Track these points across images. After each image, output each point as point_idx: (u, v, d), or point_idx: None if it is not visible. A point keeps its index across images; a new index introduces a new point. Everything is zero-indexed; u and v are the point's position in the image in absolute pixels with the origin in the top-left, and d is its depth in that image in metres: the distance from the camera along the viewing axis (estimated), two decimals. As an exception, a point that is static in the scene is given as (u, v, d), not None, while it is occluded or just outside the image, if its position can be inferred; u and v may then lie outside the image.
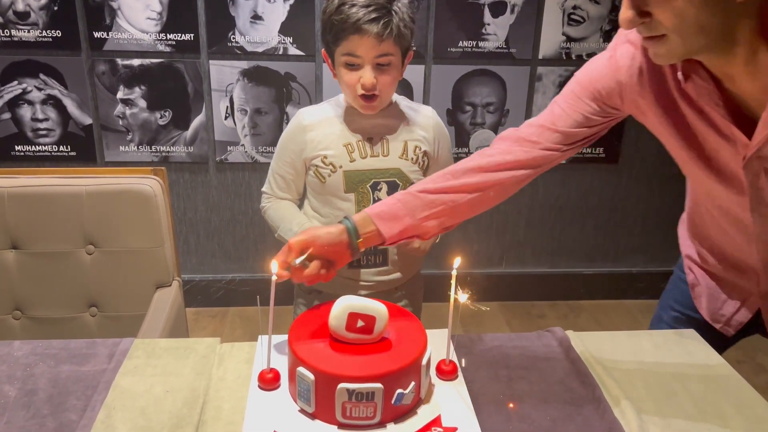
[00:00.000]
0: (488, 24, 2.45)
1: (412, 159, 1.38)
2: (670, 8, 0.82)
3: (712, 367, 1.11)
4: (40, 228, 1.50)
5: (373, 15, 1.21)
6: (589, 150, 2.67)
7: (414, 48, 1.34)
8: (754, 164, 0.94)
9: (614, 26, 2.49)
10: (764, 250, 1.07)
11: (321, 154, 1.36)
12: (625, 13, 0.86)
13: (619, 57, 1.03)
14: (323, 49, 1.34)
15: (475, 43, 2.47)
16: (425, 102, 2.53)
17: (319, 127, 1.37)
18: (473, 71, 2.51)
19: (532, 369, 1.08)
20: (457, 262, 0.98)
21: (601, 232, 2.86)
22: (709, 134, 0.97)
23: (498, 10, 2.44)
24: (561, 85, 2.13)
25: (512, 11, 2.44)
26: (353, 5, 1.22)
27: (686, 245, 1.29)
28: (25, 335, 1.54)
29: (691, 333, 1.21)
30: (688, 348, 1.17)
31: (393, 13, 1.23)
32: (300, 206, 1.47)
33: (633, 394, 1.02)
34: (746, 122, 0.92)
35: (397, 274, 1.44)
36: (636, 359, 1.12)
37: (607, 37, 2.51)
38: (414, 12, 1.30)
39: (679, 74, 0.94)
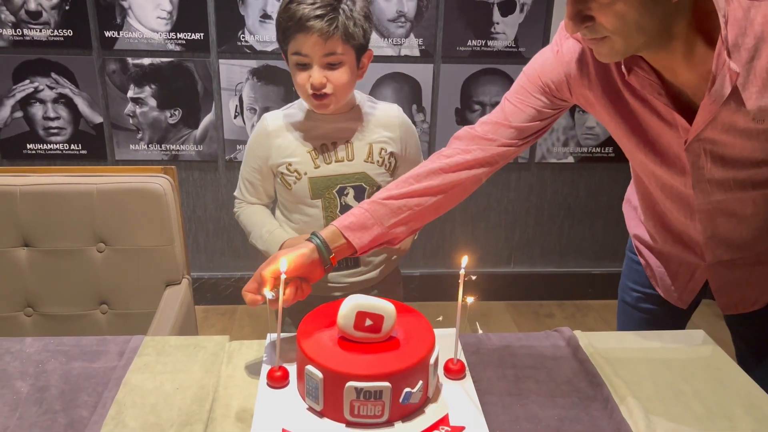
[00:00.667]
0: (497, 23, 2.45)
1: (378, 162, 1.37)
2: (611, 12, 0.87)
3: (720, 368, 1.11)
4: (51, 226, 1.52)
5: (318, 12, 1.19)
6: (597, 149, 2.66)
7: (369, 41, 1.30)
8: (695, 146, 1.02)
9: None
10: (705, 221, 1.13)
11: (285, 161, 1.35)
12: (569, 18, 0.91)
13: (565, 51, 1.08)
14: (281, 51, 1.32)
15: (484, 42, 2.47)
16: (433, 101, 2.54)
17: (283, 133, 1.36)
18: (482, 70, 2.51)
19: (540, 368, 1.08)
20: (464, 261, 0.98)
21: (609, 232, 2.85)
22: (652, 121, 1.04)
23: (507, 9, 2.43)
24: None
25: (521, 10, 2.44)
26: (300, 3, 1.20)
27: (632, 225, 1.35)
28: (36, 332, 1.56)
29: (700, 333, 1.21)
30: (697, 348, 1.17)
31: (340, 10, 1.21)
32: (273, 209, 1.46)
33: (641, 393, 1.02)
34: (686, 108, 1.00)
35: (371, 274, 1.43)
36: (644, 359, 1.12)
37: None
38: (368, 11, 1.27)
39: (623, 68, 0.99)
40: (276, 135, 1.36)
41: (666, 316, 1.33)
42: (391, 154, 1.38)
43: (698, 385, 1.05)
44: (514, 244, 2.85)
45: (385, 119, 1.39)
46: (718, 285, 1.22)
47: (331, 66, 1.25)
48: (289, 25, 1.22)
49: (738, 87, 0.93)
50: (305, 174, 1.35)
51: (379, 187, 1.36)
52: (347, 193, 1.37)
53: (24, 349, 1.10)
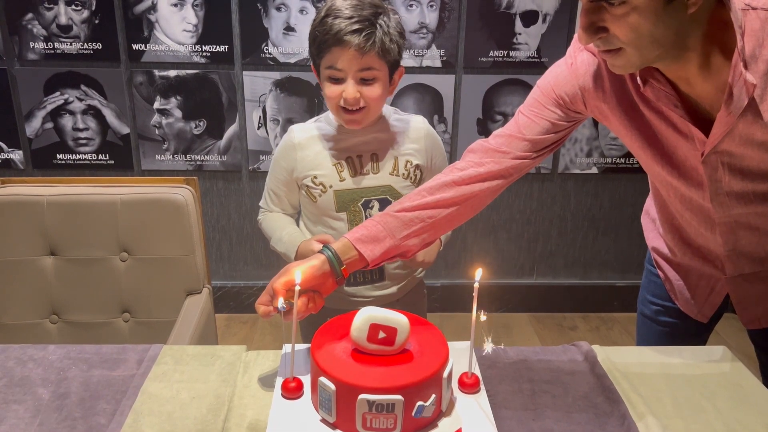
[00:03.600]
0: (519, 33, 2.44)
1: (404, 174, 1.36)
2: (625, 24, 0.86)
3: (742, 385, 1.08)
4: (76, 235, 1.55)
5: (356, 26, 1.19)
6: (621, 160, 2.63)
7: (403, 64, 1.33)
8: (711, 159, 1.01)
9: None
10: (726, 234, 1.11)
11: (311, 174, 1.35)
12: (582, 29, 0.90)
13: (579, 64, 1.07)
14: (312, 64, 1.32)
15: (506, 53, 2.46)
16: (455, 112, 2.54)
17: (309, 145, 1.36)
18: (504, 81, 2.50)
19: (556, 383, 1.07)
20: (478, 273, 0.98)
21: (635, 244, 2.81)
22: (668, 133, 1.02)
23: (529, 19, 2.43)
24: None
25: (544, 20, 2.43)
26: (337, 17, 1.20)
27: (651, 237, 1.33)
28: (61, 339, 1.59)
29: (722, 349, 1.19)
30: (719, 364, 1.14)
31: (377, 26, 1.21)
32: (297, 221, 1.47)
33: (660, 410, 1.01)
34: (702, 120, 0.98)
35: (395, 288, 1.43)
36: (663, 375, 1.10)
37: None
38: (402, 28, 1.28)
39: (638, 80, 0.98)
40: (302, 147, 1.36)
41: (686, 329, 1.31)
42: (417, 166, 1.38)
43: (719, 403, 1.03)
44: (537, 255, 2.82)
45: (410, 131, 1.38)
46: (739, 299, 1.19)
47: (365, 81, 1.25)
48: (326, 39, 1.21)
49: (755, 99, 0.91)
50: (330, 187, 1.35)
51: None
52: (372, 206, 1.36)
53: (47, 356, 1.12)
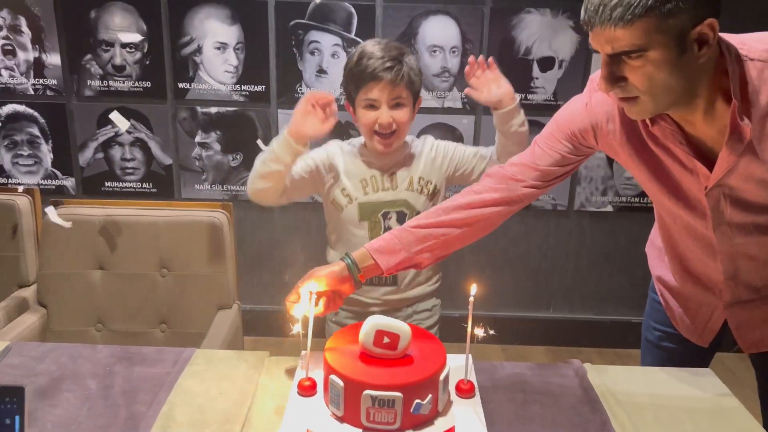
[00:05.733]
0: (537, 78, 2.59)
1: (417, 190, 1.55)
2: (642, 73, 0.97)
3: (723, 405, 1.16)
4: (123, 252, 1.72)
5: (387, 65, 1.44)
6: (636, 199, 2.72)
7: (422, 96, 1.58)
8: (714, 192, 1.09)
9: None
10: (727, 263, 1.18)
11: (341, 185, 1.55)
12: (603, 78, 1.00)
13: (594, 104, 1.17)
14: (345, 100, 1.54)
15: (524, 96, 2.61)
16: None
17: (343, 161, 1.57)
18: (522, 122, 2.63)
19: (547, 395, 1.17)
20: (473, 289, 1.10)
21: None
22: (674, 167, 1.11)
23: (546, 65, 2.58)
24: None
25: (560, 66, 2.58)
26: (370, 58, 1.44)
27: (654, 265, 1.43)
28: (104, 346, 1.75)
29: (707, 372, 1.27)
30: (703, 386, 1.22)
31: (404, 63, 1.46)
32: (323, 235, 1.64)
33: (640, 423, 1.09)
34: (706, 156, 1.07)
35: (406, 294, 1.58)
36: (649, 392, 1.19)
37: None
38: (419, 65, 1.53)
39: (647, 119, 1.08)
40: (337, 158, 1.57)
41: (688, 354, 1.37)
42: (428, 181, 1.57)
43: (699, 419, 1.11)
44: (553, 289, 2.91)
45: (420, 153, 1.58)
46: (737, 324, 1.26)
47: (395, 107, 1.48)
48: (364, 76, 1.45)
49: (753, 141, 1.00)
50: (356, 199, 1.55)
51: (418, 212, 1.53)
52: (390, 217, 1.55)
53: (95, 354, 1.28)
